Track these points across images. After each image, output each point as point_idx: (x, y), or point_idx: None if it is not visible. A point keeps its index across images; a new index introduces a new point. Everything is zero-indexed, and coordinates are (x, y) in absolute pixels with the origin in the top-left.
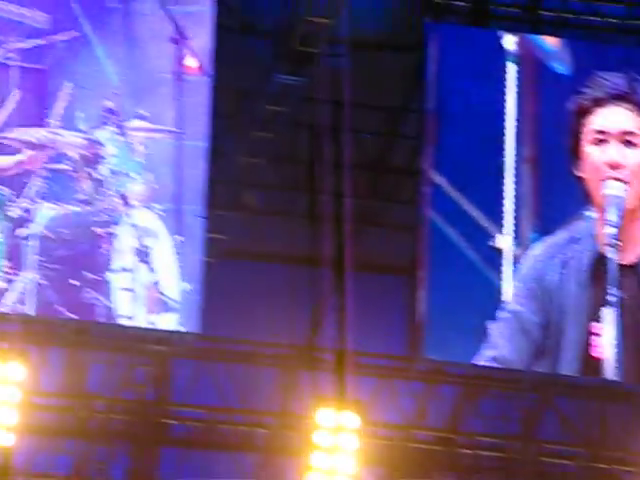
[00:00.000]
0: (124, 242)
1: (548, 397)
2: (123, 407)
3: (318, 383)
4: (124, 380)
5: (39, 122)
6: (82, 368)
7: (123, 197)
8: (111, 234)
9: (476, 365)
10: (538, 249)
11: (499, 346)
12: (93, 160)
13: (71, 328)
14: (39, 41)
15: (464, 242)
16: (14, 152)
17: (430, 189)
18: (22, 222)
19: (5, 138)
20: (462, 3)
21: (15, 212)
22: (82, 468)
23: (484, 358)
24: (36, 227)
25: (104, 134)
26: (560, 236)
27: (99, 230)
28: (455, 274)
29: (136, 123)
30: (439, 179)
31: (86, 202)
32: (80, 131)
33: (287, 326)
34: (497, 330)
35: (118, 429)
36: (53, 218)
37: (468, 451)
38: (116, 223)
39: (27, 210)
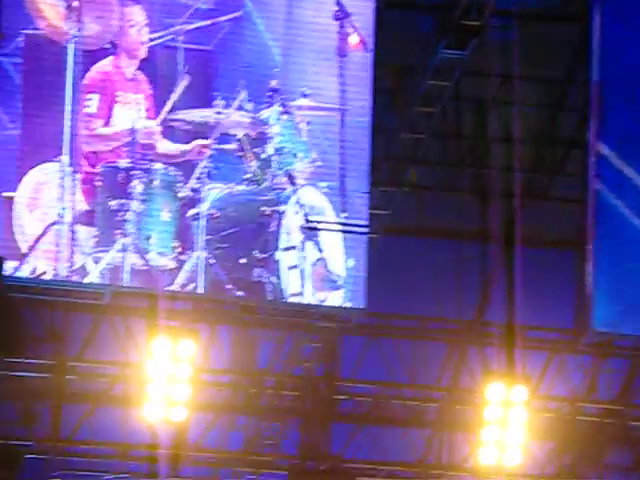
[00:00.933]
0: (291, 220)
1: None
2: (293, 383)
3: (487, 358)
4: (293, 357)
5: (205, 103)
6: (251, 345)
7: (289, 176)
8: (278, 212)
9: None
10: None
11: None
12: (259, 139)
13: (240, 306)
14: (204, 22)
15: (631, 213)
16: (181, 138)
17: (596, 160)
18: (191, 202)
19: (172, 120)
20: None
21: (184, 192)
22: (253, 444)
23: None
24: (204, 207)
25: (269, 113)
26: None
27: (266, 209)
28: (623, 246)
29: (300, 101)
30: (605, 150)
31: (252, 181)
32: (246, 110)
33: (455, 301)
34: None
35: (288, 405)
36: (220, 198)
37: (638, 423)
38: (283, 202)
39: (195, 190)
